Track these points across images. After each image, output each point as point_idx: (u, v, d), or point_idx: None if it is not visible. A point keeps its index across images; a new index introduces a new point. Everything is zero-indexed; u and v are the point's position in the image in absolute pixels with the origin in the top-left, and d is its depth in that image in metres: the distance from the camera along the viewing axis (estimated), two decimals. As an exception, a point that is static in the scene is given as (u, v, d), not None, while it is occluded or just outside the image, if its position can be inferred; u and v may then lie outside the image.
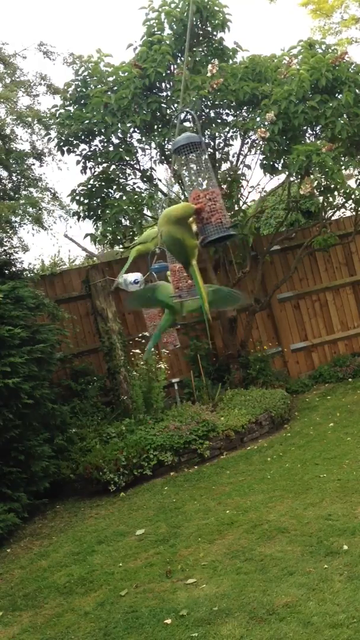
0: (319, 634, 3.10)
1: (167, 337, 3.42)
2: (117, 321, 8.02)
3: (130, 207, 7.58)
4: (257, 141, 7.85)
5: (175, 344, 3.46)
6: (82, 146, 8.13)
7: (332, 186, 7.59)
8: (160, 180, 8.58)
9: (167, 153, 8.27)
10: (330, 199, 8.52)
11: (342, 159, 7.77)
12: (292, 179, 8.17)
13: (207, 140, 7.85)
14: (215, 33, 7.92)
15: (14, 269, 7.13)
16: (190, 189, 2.34)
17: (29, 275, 7.56)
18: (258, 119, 7.51)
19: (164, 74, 7.48)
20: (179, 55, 7.86)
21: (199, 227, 2.24)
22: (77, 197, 8.08)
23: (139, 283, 3.89)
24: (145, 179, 8.39)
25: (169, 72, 7.63)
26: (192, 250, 2.29)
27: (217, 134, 8.07)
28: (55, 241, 24.83)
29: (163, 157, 8.36)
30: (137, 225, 7.71)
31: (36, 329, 6.54)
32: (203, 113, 7.80)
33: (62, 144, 7.92)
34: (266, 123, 7.35)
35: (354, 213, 9.55)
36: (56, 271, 8.97)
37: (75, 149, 8.11)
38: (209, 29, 7.88)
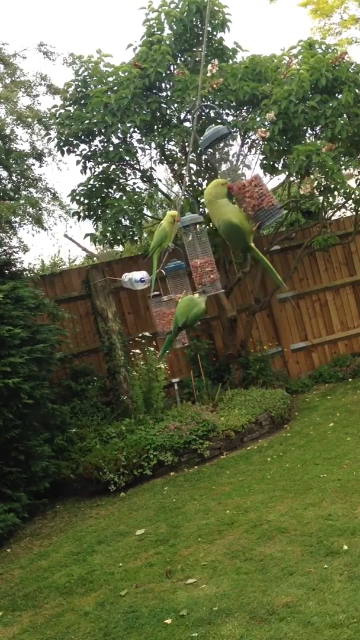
0: (319, 634, 3.10)
1: (177, 337, 3.43)
2: (117, 321, 8.02)
3: (130, 207, 7.58)
4: (257, 141, 7.85)
5: (183, 342, 3.47)
6: (82, 146, 8.14)
7: (332, 186, 7.59)
8: (160, 180, 8.59)
9: (167, 153, 8.27)
10: (330, 199, 8.52)
11: (342, 159, 7.77)
12: (292, 179, 8.17)
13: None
14: (215, 33, 7.92)
15: (14, 269, 7.13)
16: (227, 178, 2.36)
17: (29, 275, 7.55)
18: (258, 119, 7.51)
19: (164, 74, 7.48)
20: (179, 55, 7.86)
21: (251, 215, 2.25)
22: (77, 197, 8.08)
23: (145, 281, 3.89)
24: (145, 179, 8.39)
25: (169, 72, 7.64)
26: (250, 235, 2.31)
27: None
28: (55, 241, 24.82)
29: (163, 157, 8.36)
30: (137, 225, 7.71)
31: (36, 329, 6.54)
32: (203, 113, 7.80)
33: (62, 144, 7.93)
34: (266, 123, 7.36)
35: (354, 213, 9.55)
36: (56, 271, 8.97)
37: (75, 149, 8.11)
38: (209, 29, 7.88)
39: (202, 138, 2.36)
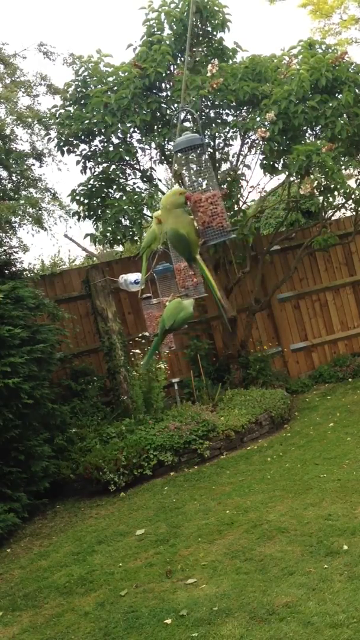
0: (319, 634, 3.10)
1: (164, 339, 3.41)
2: (117, 321, 8.02)
3: (130, 207, 7.58)
4: (257, 141, 7.85)
5: (170, 346, 3.46)
6: (82, 146, 8.13)
7: (332, 186, 7.59)
8: (160, 180, 8.59)
9: (167, 153, 8.27)
10: (330, 199, 8.52)
11: (342, 159, 7.77)
12: (292, 179, 8.16)
13: (207, 140, 7.86)
14: (215, 33, 7.92)
15: (14, 269, 7.13)
16: (190, 189, 2.36)
17: (29, 275, 7.55)
18: (258, 119, 7.51)
19: (164, 74, 7.48)
20: (179, 55, 7.86)
21: (201, 231, 2.26)
22: (77, 197, 8.08)
23: (139, 283, 3.90)
24: (145, 179, 8.39)
25: (169, 72, 7.64)
26: (196, 247, 2.31)
27: (217, 134, 8.07)
28: (55, 241, 24.82)
29: (163, 157, 8.36)
30: (137, 225, 7.71)
31: (36, 329, 6.54)
32: (203, 113, 7.80)
33: (62, 144, 7.92)
34: (266, 123, 7.35)
35: (354, 213, 9.54)
36: (56, 271, 8.97)
37: (75, 149, 8.11)
38: (209, 29, 7.89)
39: (175, 142, 2.35)
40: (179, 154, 2.33)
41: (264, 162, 7.77)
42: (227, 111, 8.10)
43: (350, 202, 8.90)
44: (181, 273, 2.67)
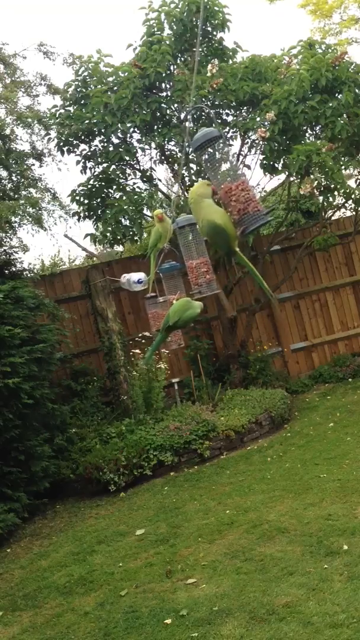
0: (319, 634, 3.10)
1: (172, 336, 3.40)
2: (117, 321, 8.02)
3: (130, 207, 7.58)
4: (257, 141, 7.85)
5: (179, 343, 3.45)
6: (82, 146, 8.14)
7: (332, 186, 7.59)
8: (160, 180, 8.59)
9: (167, 153, 8.27)
10: (330, 199, 8.51)
11: (342, 159, 7.77)
12: (292, 179, 8.17)
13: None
14: (215, 33, 7.93)
15: (14, 269, 7.13)
16: (214, 181, 2.35)
17: (29, 275, 7.55)
18: (258, 119, 7.51)
19: (163, 74, 7.49)
20: (179, 55, 7.87)
21: (236, 219, 2.23)
22: (77, 198, 8.08)
23: (143, 282, 3.89)
24: (145, 179, 8.39)
25: (169, 72, 7.64)
26: (234, 238, 2.28)
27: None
28: (55, 241, 24.82)
29: (163, 157, 8.36)
30: (137, 225, 7.71)
31: (36, 329, 6.53)
32: (203, 113, 7.80)
33: (62, 144, 7.93)
34: (266, 123, 7.35)
35: (354, 213, 9.55)
36: (56, 271, 8.97)
37: (75, 149, 8.12)
38: (209, 28, 7.89)
39: (192, 139, 2.34)
40: (197, 151, 2.33)
41: (264, 162, 7.77)
42: (227, 111, 8.10)
43: (350, 202, 8.90)
44: (194, 271, 2.65)
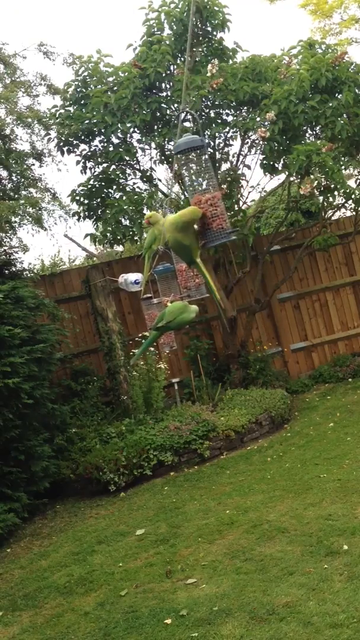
0: (319, 634, 3.10)
1: (164, 338, 3.41)
2: (117, 321, 8.02)
3: (130, 207, 7.58)
4: (257, 141, 7.85)
5: (172, 346, 3.45)
6: (82, 146, 8.13)
7: (332, 186, 7.59)
8: (160, 180, 8.59)
9: (167, 153, 8.27)
10: (330, 199, 8.52)
11: (342, 159, 7.77)
12: (292, 179, 8.17)
13: (207, 141, 7.86)
14: (215, 33, 7.92)
15: (14, 269, 7.12)
16: (190, 189, 2.36)
17: (29, 275, 7.55)
18: (258, 119, 7.51)
19: (163, 74, 7.48)
20: (179, 55, 7.86)
21: (200, 231, 2.26)
22: (77, 198, 8.08)
23: (139, 283, 3.89)
24: (145, 179, 8.39)
25: (168, 72, 7.64)
26: (196, 250, 2.33)
27: (217, 134, 8.07)
28: (55, 241, 24.82)
29: (163, 157, 8.36)
30: (137, 225, 7.70)
31: (36, 329, 6.53)
32: (203, 113, 7.80)
33: (62, 144, 7.92)
34: (266, 123, 7.35)
35: (354, 213, 9.55)
36: (56, 271, 8.96)
37: (75, 149, 8.11)
38: (209, 29, 7.89)
39: (176, 143, 2.35)
40: (179, 155, 2.33)
41: (264, 162, 7.77)
42: (227, 111, 8.10)
43: (350, 202, 8.91)
44: (183, 274, 2.68)
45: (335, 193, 8.16)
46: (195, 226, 2.28)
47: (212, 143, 8.23)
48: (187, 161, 2.33)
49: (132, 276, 3.97)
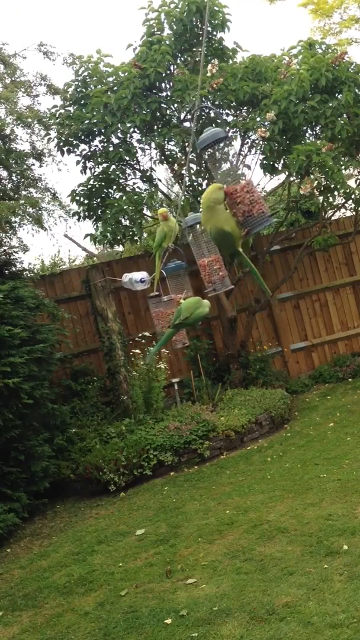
0: (319, 634, 3.10)
1: (177, 336, 3.41)
2: (117, 321, 8.02)
3: (130, 207, 7.58)
4: (257, 141, 7.85)
5: (184, 342, 3.45)
6: (82, 146, 8.13)
7: (332, 186, 7.59)
8: (160, 180, 8.59)
9: (167, 153, 8.27)
10: (330, 199, 8.52)
11: (342, 159, 7.77)
12: (292, 179, 8.17)
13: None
14: (215, 33, 7.92)
15: (14, 269, 7.13)
16: (220, 180, 2.37)
17: (29, 275, 7.55)
18: (258, 119, 7.51)
19: (163, 74, 7.48)
20: (179, 55, 7.86)
21: (241, 221, 2.25)
22: (77, 198, 8.08)
23: (145, 282, 3.88)
24: (145, 179, 8.39)
25: (168, 72, 7.64)
26: (239, 240, 2.32)
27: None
28: (55, 241, 24.82)
29: (163, 157, 8.36)
30: (137, 225, 7.71)
31: (36, 329, 6.53)
32: (203, 113, 7.80)
33: (62, 144, 7.92)
34: (266, 123, 7.35)
35: (354, 213, 9.55)
36: (56, 271, 8.96)
37: (75, 149, 8.11)
38: (209, 28, 7.88)
39: (199, 139, 2.35)
40: (203, 151, 2.35)
41: (264, 162, 7.77)
42: (227, 111, 8.10)
43: (350, 202, 8.91)
44: (206, 269, 2.67)
45: (335, 193, 8.16)
46: (238, 216, 2.27)
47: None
48: (211, 155, 2.35)
49: (138, 275, 3.95)
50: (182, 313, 2.80)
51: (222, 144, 2.30)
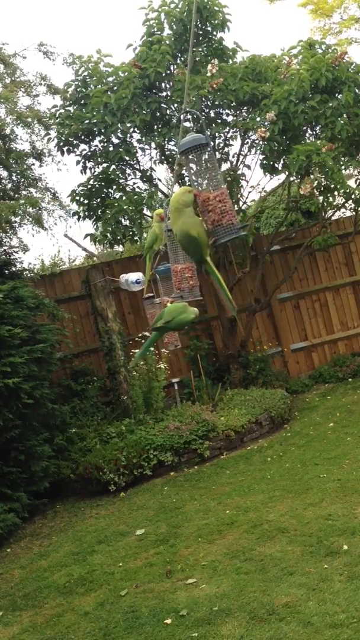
0: (319, 634, 3.10)
1: (168, 337, 3.40)
2: (117, 321, 8.02)
3: (130, 207, 7.58)
4: (257, 141, 7.85)
5: (176, 345, 3.44)
6: (82, 146, 8.13)
7: (332, 186, 7.59)
8: (160, 180, 8.59)
9: (167, 153, 8.27)
10: (330, 199, 8.52)
11: (342, 159, 7.77)
12: (292, 179, 8.16)
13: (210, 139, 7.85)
14: (215, 33, 7.92)
15: (14, 269, 7.13)
16: (196, 187, 2.35)
17: (29, 275, 7.55)
18: (258, 119, 7.51)
19: (163, 74, 7.48)
20: (179, 55, 7.86)
21: (210, 229, 2.25)
22: (77, 198, 8.08)
23: (141, 283, 3.88)
24: (145, 179, 8.39)
25: (168, 72, 7.63)
26: (206, 248, 2.30)
27: (217, 134, 8.07)
28: (55, 241, 24.84)
29: (163, 157, 8.36)
30: (137, 225, 7.71)
31: (36, 329, 6.54)
32: (203, 113, 7.80)
33: (62, 144, 7.92)
34: (266, 123, 7.35)
35: (354, 213, 9.55)
36: (56, 271, 8.96)
37: (75, 149, 8.11)
38: (209, 28, 7.88)
39: (180, 142, 2.34)
40: (182, 155, 2.33)
41: (264, 162, 7.77)
42: (227, 111, 8.10)
43: (350, 202, 8.91)
44: (178, 275, 2.67)
45: (335, 193, 8.16)
46: (205, 224, 2.26)
47: (212, 143, 8.23)
48: (191, 161, 2.32)
49: (133, 276, 3.95)
50: (164, 316, 2.77)
51: (205, 151, 2.28)
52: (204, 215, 2.26)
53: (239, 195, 8.26)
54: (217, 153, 8.35)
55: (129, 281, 3.95)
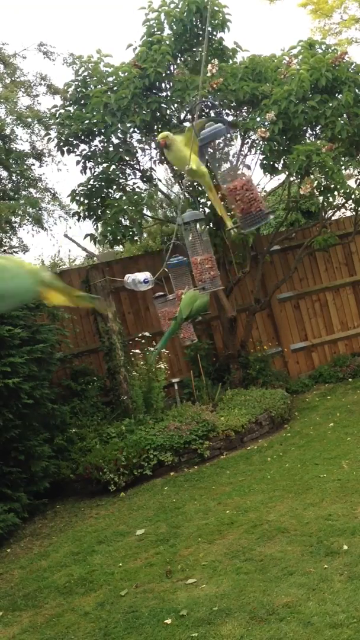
0: (319, 634, 3.10)
1: (184, 332, 3.41)
2: (117, 321, 8.02)
3: (130, 207, 7.58)
4: (257, 141, 7.85)
5: (192, 339, 3.44)
6: (82, 146, 8.13)
7: (332, 186, 7.59)
8: (160, 180, 8.59)
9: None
10: (330, 199, 8.51)
11: (342, 159, 7.77)
12: (292, 179, 8.16)
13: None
14: (215, 33, 7.91)
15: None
16: (220, 177, 2.42)
17: (29, 275, 7.53)
18: (258, 119, 7.51)
19: (163, 74, 7.48)
20: (179, 55, 7.86)
21: (239, 217, 2.28)
22: (77, 198, 8.08)
23: (149, 282, 3.87)
24: (145, 179, 8.39)
25: (168, 72, 7.63)
26: (204, 177, 2.39)
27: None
28: (55, 241, 24.83)
29: (163, 157, 8.36)
30: (137, 225, 7.71)
31: (36, 329, 6.54)
32: (203, 113, 7.79)
33: (62, 144, 7.92)
34: (266, 123, 7.35)
35: (354, 213, 9.54)
36: (56, 271, 8.96)
37: (75, 149, 8.11)
38: (209, 28, 7.88)
39: (200, 135, 2.39)
40: (202, 145, 2.41)
41: (264, 162, 7.76)
42: (227, 111, 8.09)
43: (350, 202, 8.90)
44: (198, 267, 2.69)
45: (335, 193, 8.15)
46: (237, 214, 2.31)
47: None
48: (210, 147, 2.42)
49: (141, 275, 3.93)
50: (182, 312, 2.82)
51: (222, 143, 2.35)
52: (232, 204, 2.30)
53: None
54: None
55: (137, 280, 3.92)
